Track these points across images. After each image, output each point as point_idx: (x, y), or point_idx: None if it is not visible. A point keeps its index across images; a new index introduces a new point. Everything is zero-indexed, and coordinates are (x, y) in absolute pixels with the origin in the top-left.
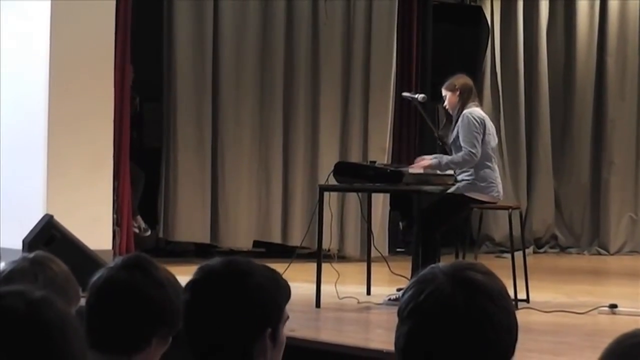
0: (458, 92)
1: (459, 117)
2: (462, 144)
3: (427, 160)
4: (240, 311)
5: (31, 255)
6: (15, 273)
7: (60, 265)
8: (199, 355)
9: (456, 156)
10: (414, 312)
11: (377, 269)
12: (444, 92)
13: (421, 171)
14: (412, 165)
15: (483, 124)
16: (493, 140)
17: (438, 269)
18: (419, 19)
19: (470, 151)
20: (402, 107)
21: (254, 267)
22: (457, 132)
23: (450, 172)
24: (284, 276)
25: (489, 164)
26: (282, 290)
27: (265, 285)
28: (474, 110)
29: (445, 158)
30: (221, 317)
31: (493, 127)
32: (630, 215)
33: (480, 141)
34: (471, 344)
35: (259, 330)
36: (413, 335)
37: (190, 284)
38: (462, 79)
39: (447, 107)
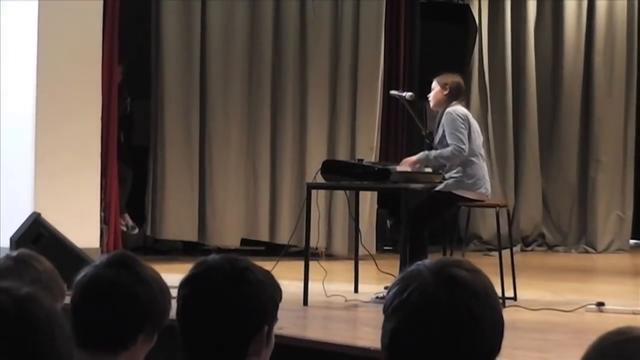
0: (447, 91)
1: (442, 115)
2: (448, 141)
3: (414, 157)
4: (242, 307)
5: (15, 253)
6: None
7: (44, 263)
8: (193, 353)
9: (445, 150)
10: (398, 309)
11: (365, 267)
12: (433, 84)
13: (409, 169)
14: (400, 164)
15: (467, 120)
16: (478, 137)
17: (423, 266)
18: (406, 17)
19: (458, 146)
20: (390, 106)
21: (252, 264)
22: (443, 131)
23: (438, 170)
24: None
25: (476, 160)
26: (278, 289)
27: (266, 282)
28: (457, 108)
29: (434, 152)
30: (221, 312)
31: (477, 124)
32: (618, 213)
33: (467, 137)
34: (455, 342)
35: (258, 327)
36: (397, 333)
37: (189, 278)
38: (455, 79)
39: (430, 98)
